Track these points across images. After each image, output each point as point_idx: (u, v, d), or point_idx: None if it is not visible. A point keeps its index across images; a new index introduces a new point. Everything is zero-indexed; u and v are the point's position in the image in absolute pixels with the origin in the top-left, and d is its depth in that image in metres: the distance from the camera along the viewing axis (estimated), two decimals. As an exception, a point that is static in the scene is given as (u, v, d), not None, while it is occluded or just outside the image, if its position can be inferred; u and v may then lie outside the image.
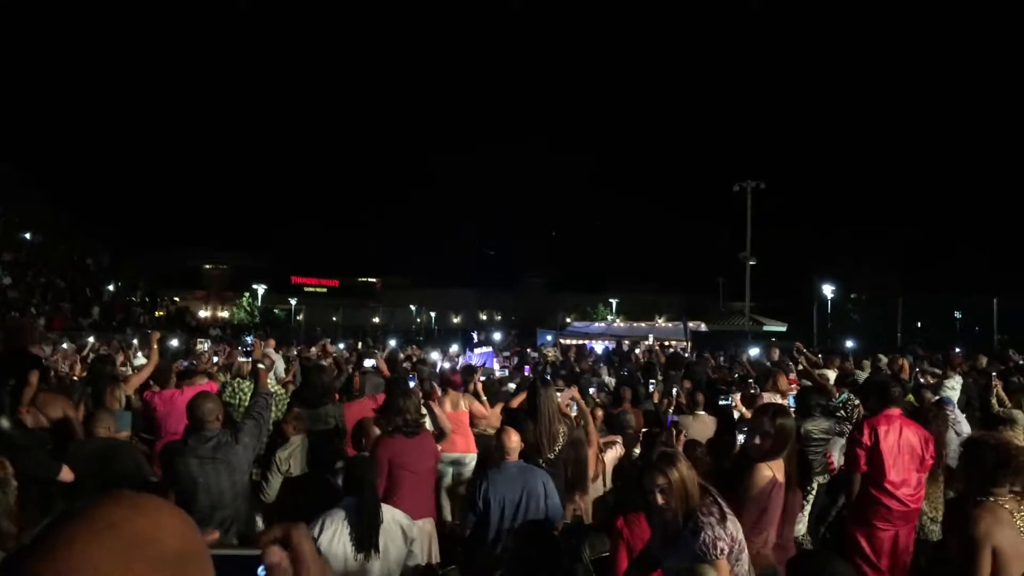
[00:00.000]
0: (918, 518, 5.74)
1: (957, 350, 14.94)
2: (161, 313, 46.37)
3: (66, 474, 4.80)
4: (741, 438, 5.46)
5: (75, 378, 9.79)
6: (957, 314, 44.87)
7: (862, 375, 11.16)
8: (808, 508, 6.75)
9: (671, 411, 8.61)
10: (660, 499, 3.46)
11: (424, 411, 6.10)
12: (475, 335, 30.88)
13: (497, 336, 31.53)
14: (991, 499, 3.55)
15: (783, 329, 41.56)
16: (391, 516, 4.39)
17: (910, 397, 9.13)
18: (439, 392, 8.22)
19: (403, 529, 4.42)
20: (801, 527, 6.42)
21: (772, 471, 4.08)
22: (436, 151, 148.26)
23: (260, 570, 0.97)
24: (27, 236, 42.60)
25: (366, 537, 4.14)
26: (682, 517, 3.42)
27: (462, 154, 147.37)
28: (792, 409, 7.95)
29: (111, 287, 44.01)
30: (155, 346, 7.81)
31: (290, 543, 0.96)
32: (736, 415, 8.37)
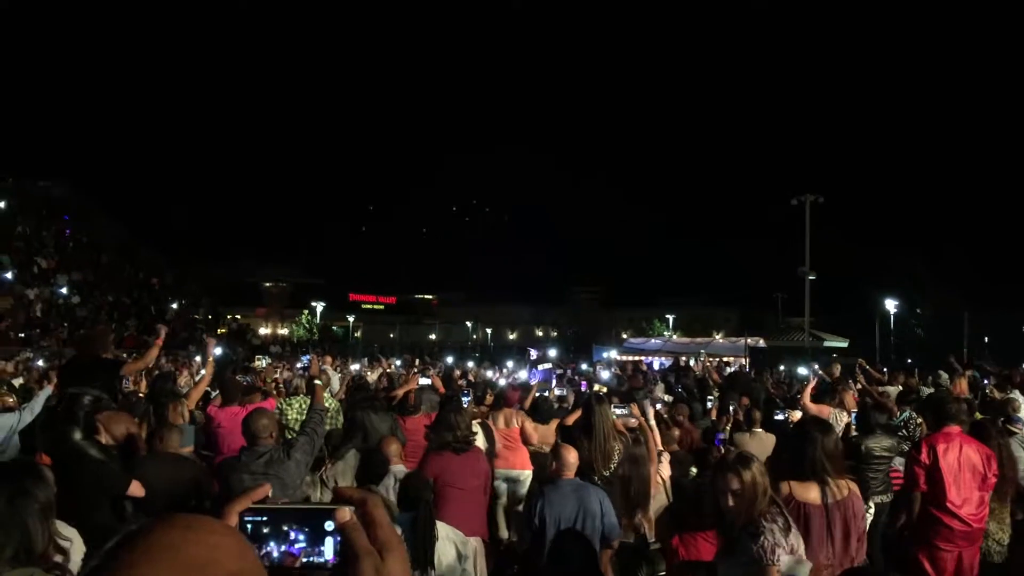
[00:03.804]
0: (983, 539, 5.55)
1: None
2: (223, 330, 47.29)
3: (136, 489, 4.89)
4: None
5: (140, 395, 10.00)
6: (1026, 329, 43.47)
7: (928, 391, 10.86)
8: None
9: (727, 428, 8.47)
10: (731, 501, 3.40)
11: (476, 429, 6.09)
12: (533, 352, 30.82)
13: (553, 352, 31.43)
14: None
15: (844, 345, 40.69)
16: (444, 533, 4.40)
17: (978, 415, 8.85)
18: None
19: (456, 546, 4.43)
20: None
21: (790, 488, 3.99)
22: (491, 166, 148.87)
23: (328, 524, 0.97)
24: (95, 255, 43.80)
25: (421, 554, 4.14)
26: (744, 521, 3.36)
27: (518, 171, 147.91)
28: (854, 427, 7.79)
29: (175, 305, 45.00)
30: (212, 355, 7.96)
31: (364, 507, 0.95)
32: None
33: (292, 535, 0.98)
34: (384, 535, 0.94)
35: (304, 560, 0.97)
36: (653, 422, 7.11)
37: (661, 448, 6.83)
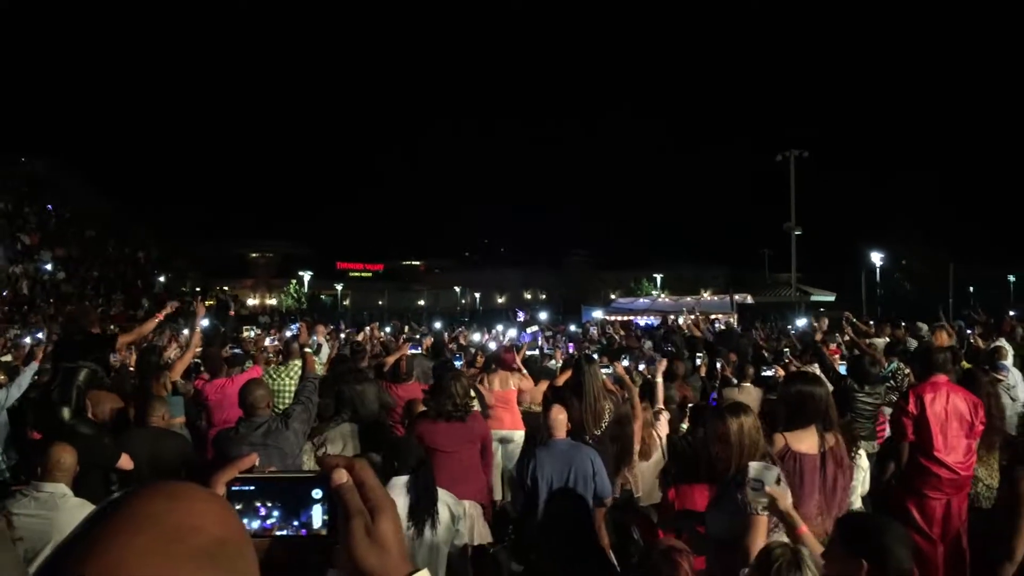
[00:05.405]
0: (973, 486, 5.62)
1: (1012, 314, 14.52)
2: (211, 302, 47.07)
3: (125, 462, 4.93)
4: None
5: (131, 368, 10.00)
6: (1011, 278, 43.84)
7: (914, 343, 10.94)
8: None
9: (716, 385, 8.53)
10: (718, 447, 3.41)
11: (472, 393, 6.07)
12: (520, 313, 30.82)
13: (543, 315, 31.46)
14: None
15: (831, 299, 40.97)
16: (437, 495, 4.42)
17: (965, 364, 8.92)
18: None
19: (449, 508, 4.44)
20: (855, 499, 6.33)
21: (784, 439, 4.01)
22: (476, 131, 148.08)
23: (315, 492, 0.96)
24: (79, 231, 43.43)
25: (417, 516, 4.16)
26: (733, 471, 3.37)
27: (504, 133, 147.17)
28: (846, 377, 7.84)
29: (161, 279, 44.76)
30: (198, 326, 7.93)
31: (352, 471, 0.95)
32: None
33: (262, 511, 0.96)
34: (374, 496, 0.94)
35: (277, 534, 0.96)
36: (660, 379, 7.15)
37: (662, 406, 6.88)
